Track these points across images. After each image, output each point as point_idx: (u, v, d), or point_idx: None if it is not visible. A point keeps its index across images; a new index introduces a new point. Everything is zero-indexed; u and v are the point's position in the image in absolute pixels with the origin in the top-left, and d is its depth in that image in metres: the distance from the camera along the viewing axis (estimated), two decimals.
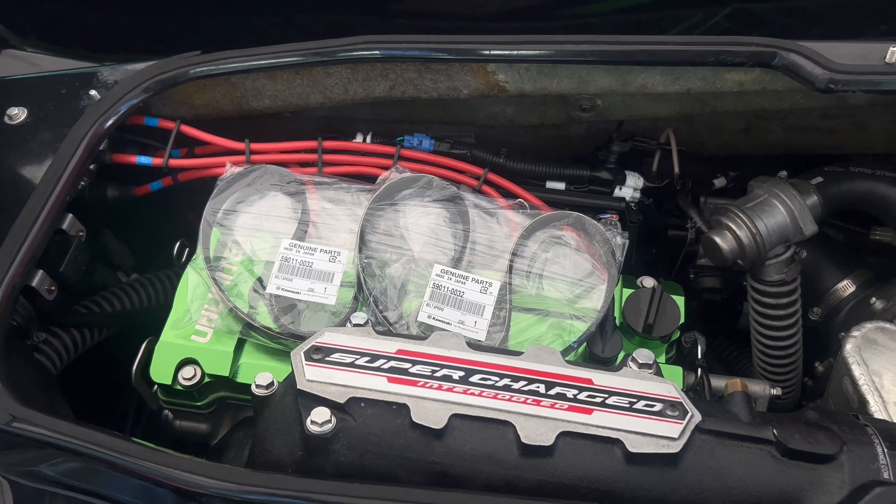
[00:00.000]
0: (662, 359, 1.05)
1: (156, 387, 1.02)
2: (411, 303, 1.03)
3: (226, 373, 1.00)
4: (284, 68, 1.06)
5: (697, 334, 1.10)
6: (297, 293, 1.02)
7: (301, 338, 0.99)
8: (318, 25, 1.49)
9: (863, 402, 1.03)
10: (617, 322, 1.05)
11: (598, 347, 1.01)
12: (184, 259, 1.11)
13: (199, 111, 1.21)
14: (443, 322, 1.00)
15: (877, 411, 1.01)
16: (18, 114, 1.11)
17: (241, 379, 1.01)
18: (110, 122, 1.03)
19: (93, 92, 1.09)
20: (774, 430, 0.78)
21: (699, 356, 1.06)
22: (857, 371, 1.05)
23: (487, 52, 1.02)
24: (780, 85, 1.04)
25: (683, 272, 1.34)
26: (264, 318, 1.02)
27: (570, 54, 1.00)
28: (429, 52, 1.03)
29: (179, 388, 1.00)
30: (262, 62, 1.04)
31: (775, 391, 1.12)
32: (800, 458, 0.77)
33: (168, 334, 1.02)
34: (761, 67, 0.99)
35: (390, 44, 1.01)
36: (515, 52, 1.03)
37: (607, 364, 1.02)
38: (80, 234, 1.11)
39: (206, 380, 1.00)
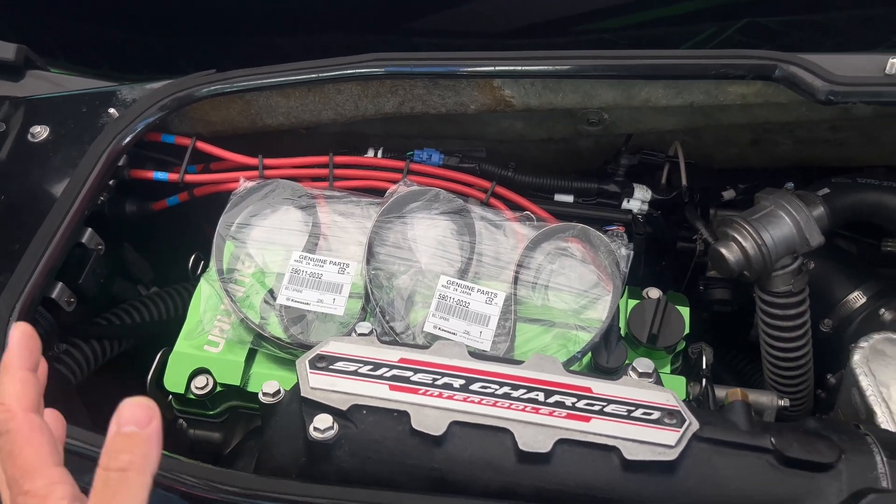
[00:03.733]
0: (667, 369, 1.05)
1: (170, 396, 1.05)
2: (418, 313, 1.05)
3: (237, 382, 1.03)
4: (295, 86, 1.09)
5: (704, 345, 1.11)
6: (307, 304, 1.04)
7: (310, 348, 1.01)
8: (336, 45, 1.53)
9: (870, 413, 1.03)
10: (622, 333, 1.06)
11: (603, 358, 1.02)
12: (199, 272, 1.14)
13: (216, 128, 1.25)
14: (448, 332, 1.02)
15: (884, 422, 1.01)
16: (41, 132, 1.15)
17: (251, 388, 1.03)
18: (128, 139, 1.07)
19: (112, 110, 1.13)
20: (772, 439, 0.79)
21: (704, 367, 1.06)
22: (864, 382, 1.05)
23: (491, 68, 1.04)
24: (783, 98, 1.05)
25: (693, 284, 1.35)
26: (275, 328, 1.05)
27: (573, 69, 1.02)
28: (432, 68, 1.05)
29: (192, 396, 1.03)
30: (273, 80, 1.07)
31: (783, 402, 1.12)
32: (798, 467, 0.78)
33: (181, 344, 1.05)
34: (762, 80, 1.00)
35: (395, 61, 1.04)
36: (518, 68, 1.05)
37: (612, 374, 1.03)
38: (100, 247, 1.15)
39: (218, 389, 1.03)
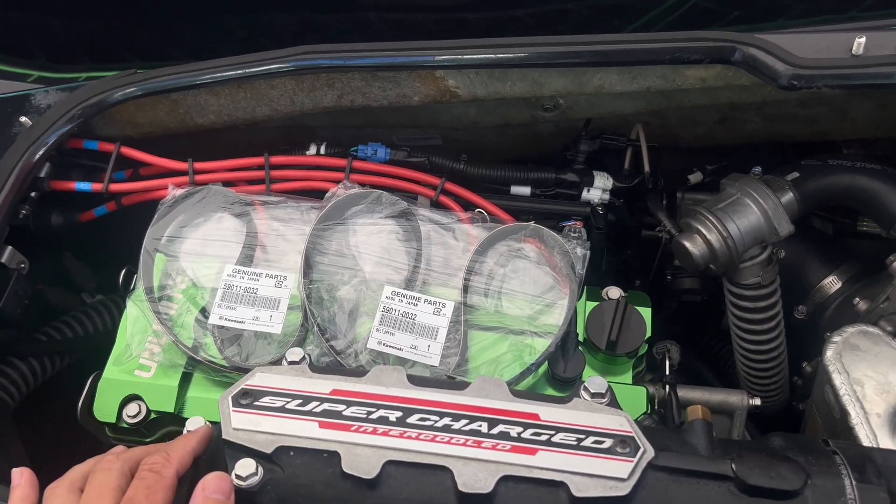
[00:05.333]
0: (629, 375, 0.99)
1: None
2: (363, 327, 0.98)
3: (171, 409, 0.96)
4: (217, 84, 1.01)
5: (669, 344, 1.05)
6: (241, 323, 0.97)
7: (247, 370, 0.95)
8: (286, 23, 1.44)
9: (844, 413, 0.97)
10: (580, 338, 0.99)
11: (560, 367, 0.96)
12: (131, 286, 1.07)
13: (144, 129, 1.16)
14: (394, 348, 0.95)
15: (858, 423, 0.95)
16: None
17: (187, 414, 0.97)
18: (40, 153, 0.99)
19: (23, 118, 1.05)
20: (733, 465, 0.73)
21: (668, 371, 1.00)
22: (837, 380, 0.99)
23: (430, 59, 0.96)
24: (744, 80, 0.97)
25: (661, 274, 1.28)
26: (212, 349, 0.98)
27: (517, 58, 0.94)
28: (366, 59, 0.97)
29: (125, 425, 0.96)
30: (191, 79, 0.99)
31: (754, 401, 1.06)
32: (760, 495, 0.72)
33: (110, 370, 0.99)
34: (720, 64, 0.92)
35: (324, 53, 0.95)
36: (459, 57, 0.96)
37: (570, 384, 0.97)
38: (22, 266, 1.07)
39: (153, 416, 0.97)
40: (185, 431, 0.81)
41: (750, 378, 1.21)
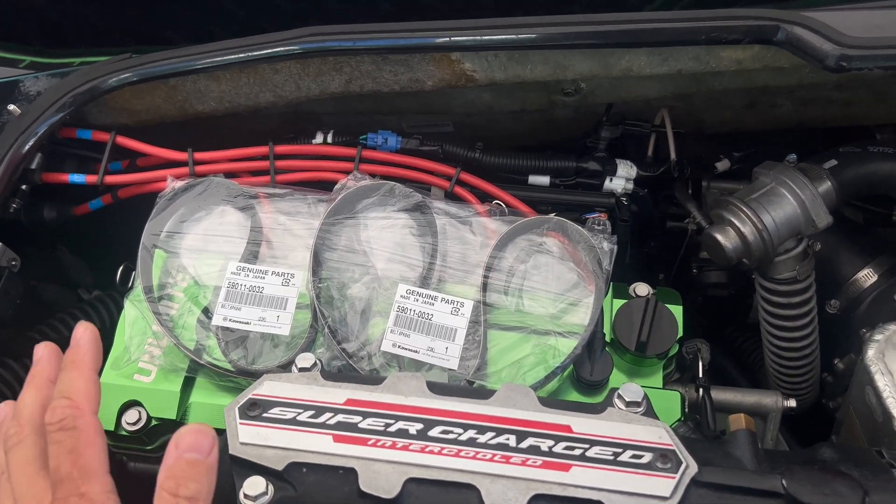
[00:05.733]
0: (659, 377, 0.93)
1: None
2: (375, 328, 0.92)
3: (173, 415, 0.90)
4: (218, 69, 0.94)
5: (700, 343, 0.98)
6: (247, 324, 0.91)
7: (253, 375, 0.89)
8: (289, 4, 1.37)
9: (888, 416, 0.91)
10: (607, 339, 0.93)
11: (587, 370, 0.90)
12: (130, 283, 1.01)
13: (141, 117, 1.10)
14: (410, 350, 0.89)
15: None
16: None
17: (191, 420, 0.91)
18: (30, 143, 0.93)
19: (11, 107, 0.98)
20: (783, 481, 0.67)
21: (700, 374, 0.94)
22: (880, 382, 0.93)
23: (446, 40, 0.90)
24: (784, 62, 0.90)
25: (686, 267, 1.22)
26: (215, 352, 0.92)
27: (540, 39, 0.87)
28: (379, 41, 0.90)
29: (124, 433, 0.90)
30: (190, 64, 0.92)
31: (789, 403, 1.01)
32: None
33: (108, 374, 0.93)
34: (761, 44, 0.85)
35: (332, 35, 0.88)
36: (478, 38, 0.90)
37: (597, 388, 0.92)
38: (13, 263, 1.01)
39: (153, 423, 0.91)
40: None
41: (779, 376, 1.15)
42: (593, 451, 0.69)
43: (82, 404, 0.58)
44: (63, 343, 1.22)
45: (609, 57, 0.94)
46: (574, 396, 0.92)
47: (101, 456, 0.56)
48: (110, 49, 1.31)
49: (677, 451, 0.68)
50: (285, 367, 0.89)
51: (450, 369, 0.89)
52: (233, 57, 0.91)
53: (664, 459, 0.68)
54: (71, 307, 1.29)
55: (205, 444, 0.57)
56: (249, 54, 0.91)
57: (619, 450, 0.69)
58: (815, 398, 1.22)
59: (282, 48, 0.90)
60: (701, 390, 0.92)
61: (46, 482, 0.55)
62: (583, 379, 0.90)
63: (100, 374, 0.63)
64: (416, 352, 0.89)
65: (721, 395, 1.00)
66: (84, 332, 0.64)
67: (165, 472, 0.55)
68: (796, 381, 1.14)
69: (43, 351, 0.66)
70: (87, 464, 0.55)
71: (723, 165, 1.20)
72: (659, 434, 0.70)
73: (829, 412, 1.20)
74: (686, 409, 0.94)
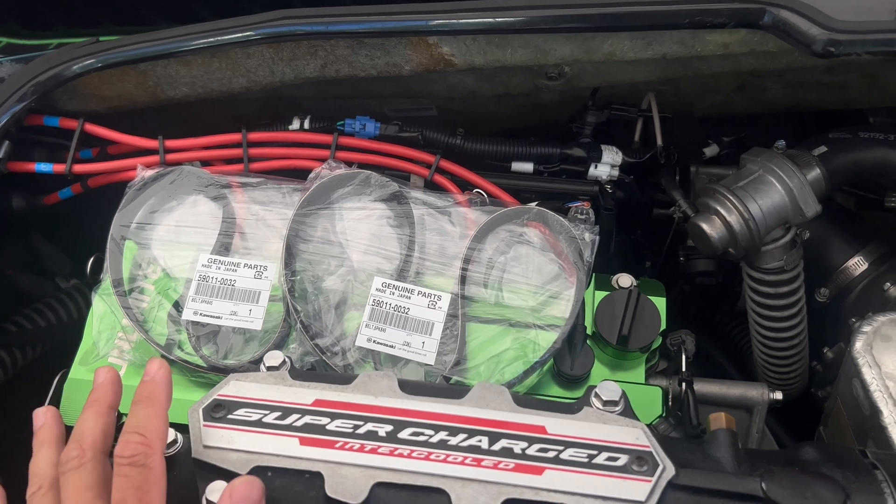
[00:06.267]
0: (642, 371, 0.91)
1: None
2: (351, 321, 0.90)
3: None
4: (187, 54, 0.91)
5: (685, 335, 0.96)
6: (218, 318, 0.89)
7: (225, 370, 0.87)
8: None
9: (875, 410, 0.89)
10: (589, 331, 0.91)
11: (567, 365, 0.88)
12: (102, 275, 0.98)
13: (112, 103, 1.06)
14: (385, 345, 0.87)
15: (891, 423, 0.88)
16: None
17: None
18: None
19: None
20: (763, 484, 0.65)
21: (684, 367, 0.92)
22: (868, 375, 0.91)
23: (422, 24, 0.86)
24: (771, 45, 0.87)
25: (673, 254, 1.20)
26: (187, 347, 0.90)
27: (520, 23, 0.84)
28: (352, 25, 0.87)
29: None
30: (156, 49, 0.89)
31: (775, 396, 0.99)
32: None
33: (77, 370, 0.91)
34: (747, 28, 0.82)
35: (302, 18, 0.85)
36: (455, 22, 0.87)
37: (577, 382, 0.89)
38: None
39: (124, 419, 0.88)
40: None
41: (767, 365, 1.13)
42: (567, 454, 0.67)
43: (154, 443, 0.60)
44: (41, 333, 1.21)
45: (591, 41, 0.91)
46: (554, 391, 0.90)
47: (163, 496, 0.58)
48: (88, 30, 1.28)
49: (654, 453, 0.66)
50: (257, 362, 0.86)
51: (426, 364, 0.87)
52: (201, 42, 0.88)
53: (640, 462, 0.66)
54: (48, 296, 1.27)
55: (254, 496, 0.60)
56: (218, 38, 0.88)
57: (595, 452, 0.67)
58: (803, 387, 1.20)
59: (251, 32, 0.86)
60: (683, 384, 0.90)
61: None
62: (563, 373, 0.88)
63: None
64: (391, 347, 0.87)
65: (705, 387, 0.98)
66: (160, 369, 0.65)
67: None
68: (784, 370, 1.13)
69: (105, 375, 0.67)
70: (151, 502, 0.57)
71: (711, 151, 1.17)
72: (636, 435, 0.68)
73: (817, 401, 1.18)
74: (669, 404, 0.92)
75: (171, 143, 1.01)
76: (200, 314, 0.89)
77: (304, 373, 0.75)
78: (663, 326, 0.90)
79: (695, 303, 1.27)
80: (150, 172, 0.96)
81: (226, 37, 0.86)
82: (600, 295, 0.93)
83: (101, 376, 0.67)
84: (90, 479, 0.59)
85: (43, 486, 0.61)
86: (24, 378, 1.16)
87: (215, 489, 0.64)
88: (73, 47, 0.95)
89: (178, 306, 0.91)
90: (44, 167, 0.99)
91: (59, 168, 0.99)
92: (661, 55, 0.92)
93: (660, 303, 0.92)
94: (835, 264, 1.13)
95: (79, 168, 1.00)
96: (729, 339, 1.36)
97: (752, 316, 1.09)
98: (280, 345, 0.88)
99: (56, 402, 0.90)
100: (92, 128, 1.00)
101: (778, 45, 0.86)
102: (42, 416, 0.68)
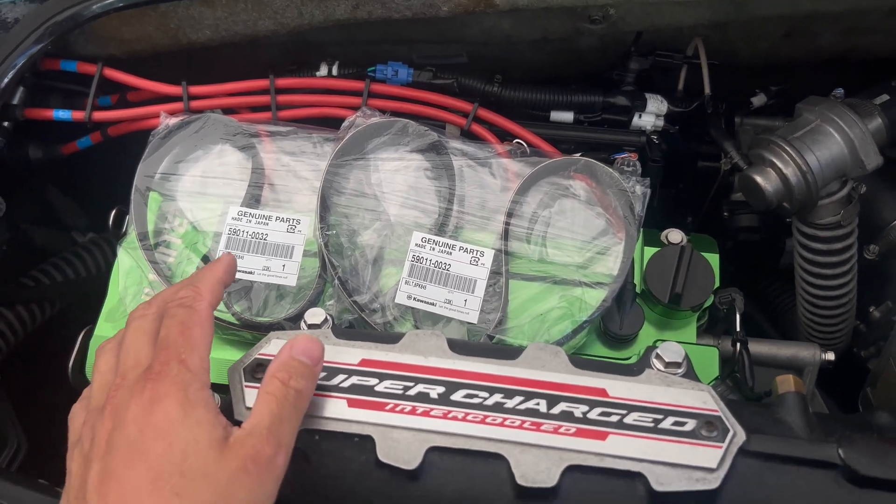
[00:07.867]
0: (693, 331, 0.87)
1: None
2: (389, 277, 0.86)
3: None
4: None
5: (734, 293, 0.91)
6: (250, 273, 0.85)
7: (258, 327, 0.83)
8: None
9: None
10: (638, 289, 0.87)
11: (616, 324, 0.84)
12: (124, 229, 0.94)
13: (131, 47, 1.01)
14: (426, 303, 0.83)
15: None
16: None
17: None
18: (9, 76, 0.85)
19: None
20: (840, 451, 0.62)
21: (738, 326, 0.87)
22: None
23: None
24: None
25: (716, 209, 1.15)
26: None
27: None
28: None
29: None
30: None
31: (828, 356, 0.95)
32: (873, 486, 0.61)
33: (102, 327, 0.87)
34: None
35: None
36: None
37: (626, 342, 0.86)
38: None
39: None
40: None
41: (812, 324, 1.09)
42: (632, 418, 0.63)
43: (205, 294, 0.61)
44: (60, 289, 1.17)
45: None
46: (601, 351, 0.86)
47: (208, 338, 0.59)
48: None
49: (724, 418, 0.63)
50: (293, 320, 0.83)
51: (469, 323, 0.83)
52: None
53: (710, 427, 0.62)
54: (64, 251, 1.23)
55: (315, 353, 0.60)
56: None
57: (660, 416, 0.63)
58: (846, 347, 1.16)
59: None
60: (738, 345, 0.86)
61: (151, 349, 0.57)
62: (611, 333, 0.84)
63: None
64: (432, 304, 0.83)
65: (755, 347, 0.94)
66: (228, 255, 0.68)
67: (278, 365, 0.58)
68: (830, 329, 1.08)
69: (230, 259, 0.68)
70: (193, 337, 0.57)
71: (759, 100, 1.12)
72: (703, 399, 0.64)
73: (858, 361, 1.14)
74: (720, 361, 0.88)
75: (194, 90, 0.95)
76: None
77: (347, 331, 0.71)
78: (717, 284, 0.86)
79: (735, 261, 1.22)
80: (174, 120, 0.91)
81: None
82: (649, 252, 0.88)
83: (226, 258, 0.67)
84: (150, 326, 0.59)
85: (149, 311, 0.61)
86: (45, 333, 1.13)
87: (274, 343, 0.64)
88: None
89: (206, 260, 0.87)
90: (62, 114, 0.95)
91: (77, 115, 0.94)
92: None
93: (713, 259, 0.87)
94: (886, 220, 1.08)
95: (98, 115, 0.95)
96: (766, 299, 1.32)
97: (799, 273, 1.04)
98: (315, 301, 0.84)
99: (81, 358, 0.86)
100: (111, 73, 0.95)
101: None
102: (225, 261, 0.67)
